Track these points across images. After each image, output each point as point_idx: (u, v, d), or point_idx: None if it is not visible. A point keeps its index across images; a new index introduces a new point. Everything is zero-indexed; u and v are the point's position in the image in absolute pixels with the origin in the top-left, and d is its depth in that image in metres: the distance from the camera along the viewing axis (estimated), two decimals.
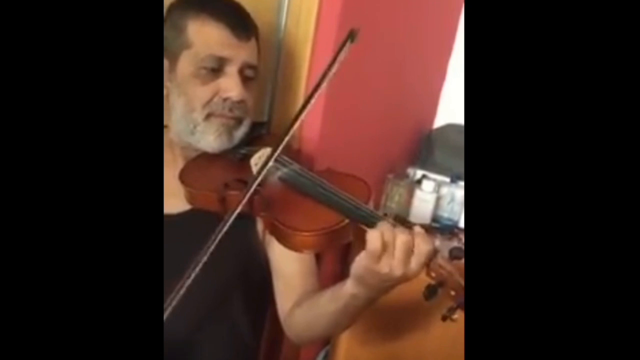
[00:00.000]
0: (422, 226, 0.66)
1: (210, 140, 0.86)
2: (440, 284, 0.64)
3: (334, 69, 0.73)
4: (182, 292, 0.67)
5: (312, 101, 0.73)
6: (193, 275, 0.68)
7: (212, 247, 0.68)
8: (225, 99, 0.84)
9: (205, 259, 0.68)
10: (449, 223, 1.25)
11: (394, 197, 1.24)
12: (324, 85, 0.73)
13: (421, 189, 1.24)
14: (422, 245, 0.63)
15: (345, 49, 0.73)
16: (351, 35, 0.73)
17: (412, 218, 1.24)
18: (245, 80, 0.86)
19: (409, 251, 0.63)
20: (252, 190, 0.73)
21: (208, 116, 0.85)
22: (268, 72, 1.05)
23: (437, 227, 1.24)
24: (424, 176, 1.27)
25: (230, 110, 0.85)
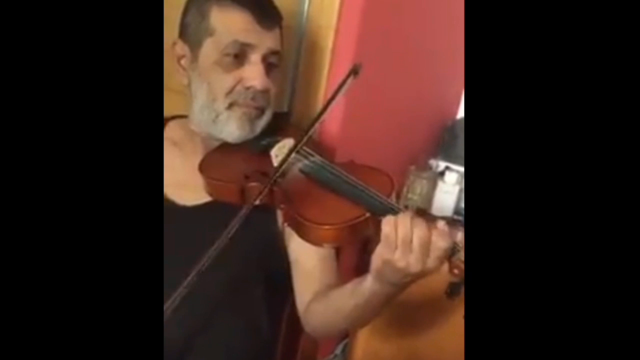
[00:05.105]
0: (444, 219, 0.65)
1: (232, 130, 0.85)
2: (463, 281, 0.62)
3: (335, 101, 0.75)
4: (192, 280, 0.67)
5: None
6: (206, 265, 0.67)
7: (226, 238, 0.68)
8: (248, 88, 0.83)
9: (214, 252, 0.67)
10: None
11: (416, 189, 1.22)
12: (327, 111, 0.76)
13: (444, 181, 1.22)
14: (440, 241, 0.62)
15: (348, 83, 0.74)
16: (354, 70, 0.74)
17: (435, 210, 1.22)
18: (268, 67, 0.84)
19: (426, 245, 0.62)
20: (271, 182, 0.72)
21: (230, 105, 0.84)
22: (289, 61, 1.03)
23: (459, 219, 1.22)
24: (447, 167, 1.25)
25: (253, 99, 0.84)
